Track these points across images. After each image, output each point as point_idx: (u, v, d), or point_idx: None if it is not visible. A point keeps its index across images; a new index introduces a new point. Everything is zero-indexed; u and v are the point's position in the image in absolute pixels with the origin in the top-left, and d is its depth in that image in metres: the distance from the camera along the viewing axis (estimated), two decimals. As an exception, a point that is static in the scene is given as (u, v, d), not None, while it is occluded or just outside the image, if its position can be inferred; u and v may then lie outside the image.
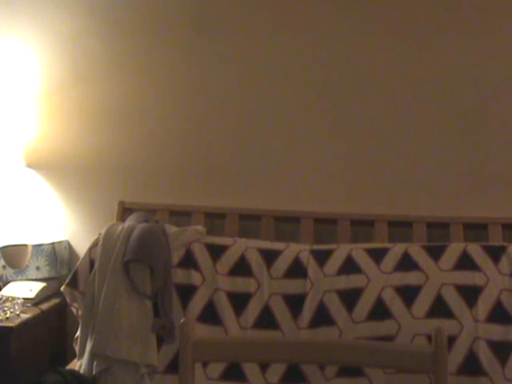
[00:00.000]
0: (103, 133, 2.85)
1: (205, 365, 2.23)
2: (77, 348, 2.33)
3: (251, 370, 2.23)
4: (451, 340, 2.18)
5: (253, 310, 2.32)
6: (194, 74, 2.79)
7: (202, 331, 2.26)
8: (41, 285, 2.70)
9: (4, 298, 2.51)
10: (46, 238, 2.84)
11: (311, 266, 2.36)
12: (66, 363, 2.47)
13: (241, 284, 2.36)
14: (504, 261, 2.33)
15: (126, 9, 2.82)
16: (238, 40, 2.76)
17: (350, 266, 2.35)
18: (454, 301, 2.26)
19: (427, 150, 2.66)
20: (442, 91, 2.65)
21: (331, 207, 2.68)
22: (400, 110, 2.68)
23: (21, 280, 2.73)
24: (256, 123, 2.76)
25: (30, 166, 2.88)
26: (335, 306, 2.29)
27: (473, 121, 2.64)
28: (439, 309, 2.25)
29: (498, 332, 2.21)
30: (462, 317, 2.23)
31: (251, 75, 2.76)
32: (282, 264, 2.38)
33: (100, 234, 2.44)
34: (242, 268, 2.38)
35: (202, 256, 2.40)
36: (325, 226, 2.66)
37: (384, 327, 2.24)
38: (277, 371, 2.23)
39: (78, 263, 2.43)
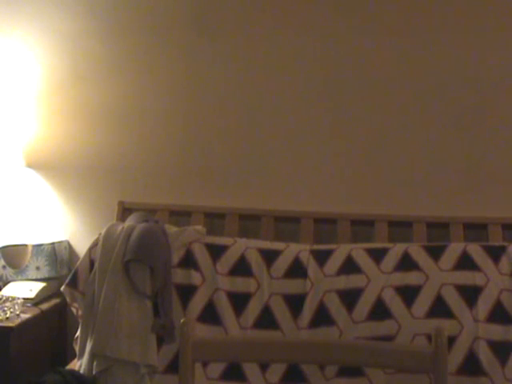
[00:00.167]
0: (103, 133, 2.85)
1: (205, 365, 2.23)
2: (77, 348, 2.33)
3: (251, 369, 2.23)
4: (451, 340, 2.18)
5: (253, 310, 2.32)
6: (194, 73, 2.79)
7: (202, 331, 2.26)
8: (41, 285, 2.70)
9: (4, 298, 2.51)
10: (46, 237, 2.84)
11: (311, 266, 2.36)
12: (66, 363, 2.47)
13: (241, 284, 2.36)
14: (504, 261, 2.33)
15: (126, 9, 2.82)
16: (238, 40, 2.76)
17: (349, 266, 2.35)
18: (453, 301, 2.26)
19: (427, 150, 2.66)
20: (442, 90, 2.65)
21: (331, 207, 2.68)
22: (400, 110, 2.68)
23: (21, 280, 2.73)
24: (256, 123, 2.76)
25: (29, 165, 2.88)
26: (335, 306, 2.29)
27: (473, 121, 2.64)
28: (439, 309, 2.25)
29: (498, 332, 2.21)
30: (462, 317, 2.23)
31: (251, 75, 2.76)
32: (281, 264, 2.38)
33: (100, 234, 2.44)
34: (242, 268, 2.38)
35: (202, 256, 2.40)
36: (325, 226, 2.66)
37: (384, 327, 2.24)
38: (277, 371, 2.23)
39: (78, 263, 2.43)
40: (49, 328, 2.69)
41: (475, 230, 2.57)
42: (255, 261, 2.39)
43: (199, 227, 2.52)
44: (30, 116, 2.88)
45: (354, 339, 2.23)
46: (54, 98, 2.88)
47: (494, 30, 2.62)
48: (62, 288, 2.40)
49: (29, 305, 2.61)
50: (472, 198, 2.63)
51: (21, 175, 2.89)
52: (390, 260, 2.36)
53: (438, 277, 2.31)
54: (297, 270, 2.37)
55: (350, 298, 2.29)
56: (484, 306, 2.25)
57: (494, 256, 2.35)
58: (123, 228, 2.41)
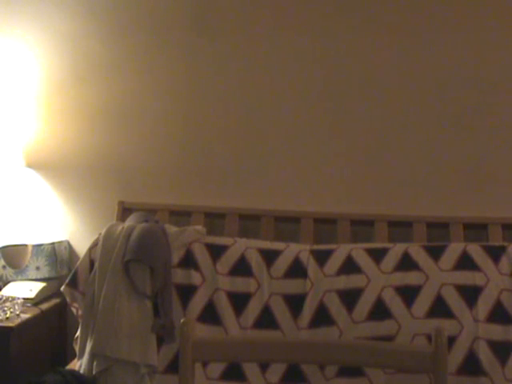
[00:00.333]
0: (103, 133, 2.85)
1: (205, 365, 2.23)
2: (77, 348, 2.33)
3: (251, 369, 2.23)
4: (451, 340, 2.19)
5: (253, 310, 2.32)
6: (194, 73, 2.79)
7: (202, 331, 2.26)
8: (41, 285, 2.70)
9: (4, 298, 2.51)
10: (46, 237, 2.84)
11: (311, 266, 2.36)
12: (66, 363, 2.47)
13: (241, 284, 2.36)
14: (504, 261, 2.33)
15: (126, 9, 2.82)
16: (238, 40, 2.76)
17: (349, 266, 2.35)
18: (454, 301, 2.26)
19: (427, 150, 2.66)
20: (442, 90, 2.65)
21: (331, 207, 2.68)
22: (400, 110, 2.68)
23: (21, 280, 2.73)
24: (256, 123, 2.76)
25: (30, 165, 2.88)
26: (335, 306, 2.29)
27: (473, 121, 2.64)
28: (439, 309, 2.25)
29: (497, 332, 2.21)
30: (462, 317, 2.23)
31: (251, 75, 2.76)
32: (281, 264, 2.38)
33: (100, 234, 2.44)
34: (242, 268, 2.38)
35: (202, 256, 2.40)
36: (325, 226, 2.66)
37: (384, 327, 2.24)
38: (277, 371, 2.23)
39: (78, 263, 2.43)
40: (49, 328, 2.69)
41: (475, 229, 2.57)
42: (255, 261, 2.39)
43: (199, 227, 2.52)
44: (30, 116, 2.88)
45: (354, 339, 2.23)
46: (53, 98, 2.88)
47: (493, 30, 2.62)
48: (61, 288, 2.40)
49: (29, 305, 2.61)
50: (472, 198, 2.63)
51: (21, 175, 2.89)
52: (390, 260, 2.36)
53: (438, 277, 2.31)
54: (297, 269, 2.37)
55: (350, 298, 2.29)
56: (484, 306, 2.25)
57: (494, 256, 2.35)
58: (123, 228, 2.41)
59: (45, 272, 2.76)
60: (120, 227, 2.43)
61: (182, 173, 2.81)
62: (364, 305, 2.27)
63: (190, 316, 2.28)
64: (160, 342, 2.27)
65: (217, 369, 2.24)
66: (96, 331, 2.23)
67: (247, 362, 2.20)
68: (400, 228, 2.61)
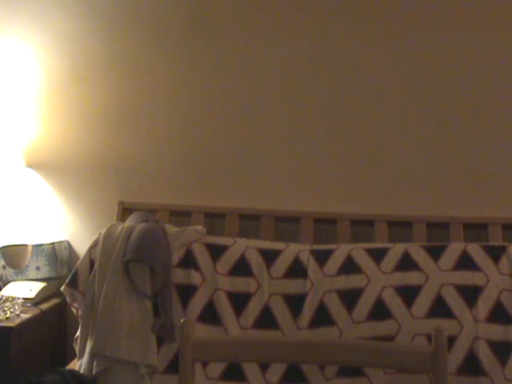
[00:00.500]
0: (103, 133, 2.85)
1: (205, 365, 2.23)
2: (77, 348, 2.33)
3: (251, 369, 2.23)
4: (451, 340, 2.18)
5: (253, 310, 2.32)
6: (193, 74, 2.79)
7: (202, 331, 2.26)
8: (41, 285, 2.70)
9: (4, 298, 2.51)
10: (46, 237, 2.84)
11: (311, 266, 2.36)
12: (66, 363, 2.47)
13: (241, 284, 2.36)
14: (504, 261, 2.33)
15: (126, 9, 2.82)
16: (237, 41, 2.76)
17: (349, 266, 2.35)
18: (454, 301, 2.26)
19: (427, 150, 2.66)
20: (442, 90, 2.65)
21: (331, 207, 2.68)
22: (399, 110, 2.68)
23: (21, 280, 2.73)
24: (256, 123, 2.77)
25: (30, 165, 2.88)
26: (335, 306, 2.28)
27: (473, 120, 2.64)
28: (439, 309, 2.25)
29: (497, 332, 2.21)
30: (462, 317, 2.23)
31: (250, 76, 2.76)
32: (281, 264, 2.38)
33: (100, 234, 2.44)
34: (242, 268, 2.38)
35: (202, 256, 2.40)
36: (325, 226, 2.66)
37: (384, 327, 2.24)
38: (277, 371, 2.23)
39: (78, 263, 2.43)
40: (49, 328, 2.69)
41: (475, 229, 2.57)
42: (255, 261, 2.39)
43: (199, 227, 2.52)
44: (30, 116, 2.88)
45: (354, 339, 2.23)
46: (53, 98, 2.88)
47: (491, 30, 2.62)
48: (61, 288, 2.40)
49: (29, 305, 2.61)
50: (472, 198, 2.63)
51: (21, 175, 2.89)
52: (390, 260, 2.36)
53: (438, 277, 2.31)
54: (297, 270, 2.37)
55: (350, 298, 2.29)
56: (484, 306, 2.25)
57: (494, 256, 2.35)
58: (123, 228, 2.41)
59: (45, 272, 2.76)
60: (120, 227, 2.43)
61: (182, 173, 2.81)
62: (364, 305, 2.27)
63: (190, 316, 2.28)
64: (160, 342, 2.26)
65: (217, 369, 2.24)
66: (96, 331, 2.23)
67: (247, 362, 2.20)
68: (400, 228, 2.61)
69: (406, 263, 2.35)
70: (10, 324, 2.41)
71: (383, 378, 2.17)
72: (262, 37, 2.75)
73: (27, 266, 2.75)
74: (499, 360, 2.17)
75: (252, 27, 2.76)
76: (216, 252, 2.41)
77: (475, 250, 2.37)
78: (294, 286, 2.34)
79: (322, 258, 2.39)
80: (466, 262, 2.34)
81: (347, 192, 2.71)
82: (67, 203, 2.89)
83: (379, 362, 1.52)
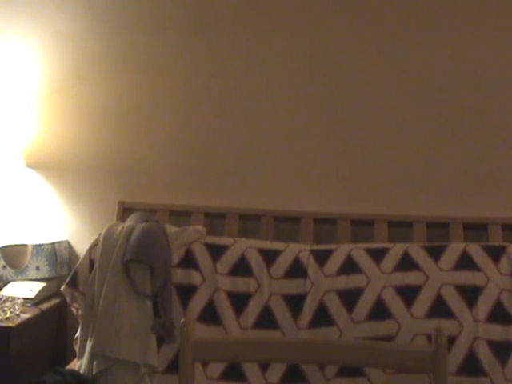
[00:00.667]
0: (103, 133, 2.85)
1: (205, 365, 2.23)
2: (77, 348, 2.33)
3: (251, 369, 2.23)
4: (451, 340, 2.18)
5: (253, 310, 2.32)
6: (194, 73, 2.79)
7: (202, 331, 2.26)
8: (41, 285, 2.70)
9: (4, 298, 2.51)
10: (46, 238, 2.84)
11: (311, 266, 2.36)
12: (66, 363, 2.47)
13: (241, 284, 2.36)
14: (504, 261, 2.33)
15: (126, 9, 2.82)
16: (237, 40, 2.76)
17: (349, 266, 2.35)
18: (454, 301, 2.26)
19: (427, 150, 2.66)
20: (442, 90, 2.65)
21: (331, 207, 2.68)
22: (399, 110, 2.68)
23: (21, 280, 2.73)
24: (256, 123, 2.77)
25: (30, 166, 2.88)
26: (335, 306, 2.28)
27: (473, 120, 2.64)
28: (439, 309, 2.25)
29: (497, 332, 2.21)
30: (462, 317, 2.23)
31: (250, 76, 2.76)
32: (282, 264, 2.38)
33: (100, 234, 2.44)
34: (242, 268, 2.38)
35: (202, 256, 2.40)
36: (325, 226, 2.66)
37: (384, 327, 2.24)
38: (277, 371, 2.23)
39: (78, 263, 2.43)
40: (49, 328, 2.69)
41: (475, 229, 2.57)
42: (255, 261, 2.39)
43: (199, 227, 2.52)
44: (30, 116, 2.88)
45: (354, 339, 2.23)
46: (53, 98, 2.88)
47: (492, 30, 2.62)
48: (61, 288, 2.40)
49: (29, 305, 2.61)
50: (472, 198, 2.63)
51: (21, 175, 2.89)
52: (390, 260, 2.36)
53: (438, 277, 2.31)
54: (297, 270, 2.37)
55: (349, 298, 2.29)
56: (484, 306, 2.25)
57: (494, 256, 2.35)
58: (123, 228, 2.41)
59: (45, 272, 2.76)
60: (120, 227, 2.43)
61: (182, 173, 2.81)
62: (364, 305, 2.27)
63: (190, 316, 2.28)
64: (160, 342, 2.26)
65: (217, 369, 2.24)
66: (96, 331, 2.23)
67: (247, 362, 2.20)
68: (400, 228, 2.61)
69: (406, 263, 2.35)
70: (10, 324, 2.41)
71: (383, 378, 2.17)
72: (262, 37, 2.75)
73: (27, 266, 2.75)
74: (499, 360, 2.17)
75: (252, 27, 2.76)
76: (216, 252, 2.41)
77: (475, 250, 2.37)
78: (293, 286, 2.34)
79: (322, 258, 2.39)
80: (466, 262, 2.34)
81: (347, 192, 2.71)
82: (67, 203, 2.89)
83: (379, 362, 1.52)
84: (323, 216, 2.66)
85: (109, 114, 2.84)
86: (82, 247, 2.78)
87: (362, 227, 2.64)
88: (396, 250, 2.39)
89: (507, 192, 2.61)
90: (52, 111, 2.88)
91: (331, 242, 2.54)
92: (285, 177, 2.75)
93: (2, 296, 2.54)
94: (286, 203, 2.72)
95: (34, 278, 2.74)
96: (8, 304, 2.47)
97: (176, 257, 2.39)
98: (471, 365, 2.17)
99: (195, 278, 2.36)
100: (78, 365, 2.26)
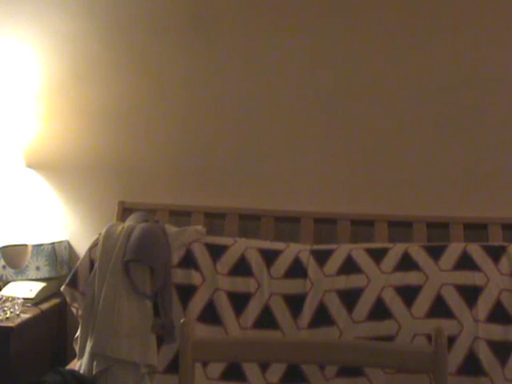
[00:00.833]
0: (103, 133, 2.85)
1: (205, 365, 2.23)
2: (77, 348, 2.33)
3: (251, 370, 2.23)
4: (451, 340, 2.18)
5: (253, 310, 2.32)
6: (194, 73, 2.79)
7: (202, 331, 2.26)
8: (41, 285, 2.70)
9: (4, 298, 2.51)
10: (46, 238, 2.84)
11: (311, 266, 2.36)
12: (66, 363, 2.47)
13: (241, 284, 2.36)
14: (504, 261, 2.33)
15: (126, 9, 2.82)
16: (236, 41, 2.76)
17: (349, 266, 2.35)
18: (454, 301, 2.26)
19: (427, 150, 2.66)
20: (442, 90, 2.65)
21: (331, 207, 2.68)
22: (400, 110, 2.68)
23: (21, 280, 2.73)
24: (256, 123, 2.76)
25: (29, 166, 2.88)
26: (335, 306, 2.29)
27: (473, 120, 2.64)
28: (439, 309, 2.25)
29: (497, 332, 2.21)
30: (462, 317, 2.23)
31: (250, 75, 2.76)
32: (282, 264, 2.38)
33: (100, 234, 2.44)
34: (242, 268, 2.38)
35: (202, 256, 2.40)
36: (325, 226, 2.66)
37: (384, 327, 2.24)
38: (277, 371, 2.23)
39: (78, 263, 2.43)
40: (49, 328, 2.69)
41: (475, 229, 2.57)
42: (255, 261, 2.39)
43: (199, 227, 2.52)
44: (30, 116, 2.88)
45: (354, 339, 2.23)
46: (54, 98, 2.88)
47: (492, 30, 2.62)
48: (61, 288, 2.40)
49: (29, 305, 2.61)
50: (472, 198, 2.63)
51: (21, 175, 2.89)
52: (390, 260, 2.36)
53: (438, 277, 2.31)
54: (297, 270, 2.37)
55: (349, 298, 2.29)
56: (484, 305, 2.25)
57: (494, 256, 2.35)
58: (123, 228, 2.41)
59: (45, 272, 2.76)
60: (120, 227, 2.43)
61: (182, 173, 2.81)
62: (364, 305, 2.27)
63: (190, 316, 2.28)
64: (160, 342, 2.26)
65: (217, 369, 2.24)
66: (96, 331, 2.23)
67: (247, 362, 2.20)
68: (400, 228, 2.61)
69: (406, 263, 2.35)
70: (10, 324, 2.41)
71: (383, 377, 2.18)
72: (262, 37, 2.75)
73: (27, 266, 2.75)
74: (499, 360, 2.18)
75: (252, 27, 2.76)
76: (216, 252, 2.41)
77: (475, 250, 2.37)
78: (294, 286, 2.34)
79: (321, 258, 2.39)
80: (466, 262, 2.34)
81: (347, 192, 2.71)
82: (67, 203, 2.89)
83: (379, 362, 1.52)
84: (323, 216, 2.66)
85: (109, 114, 2.84)
86: (82, 247, 2.78)
87: (361, 227, 2.64)
88: (396, 250, 2.39)
89: (507, 192, 2.61)
90: (52, 111, 2.88)
91: (331, 242, 2.54)
92: (285, 177, 2.75)
93: (2, 296, 2.54)
94: (285, 203, 2.71)
95: (34, 277, 2.74)
96: (8, 304, 2.47)
97: (176, 257, 2.39)
98: (471, 365, 2.17)
99: (195, 277, 2.36)
100: (78, 365, 2.26)
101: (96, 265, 2.34)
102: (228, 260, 2.39)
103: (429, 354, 1.44)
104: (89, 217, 2.87)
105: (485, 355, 2.18)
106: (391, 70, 2.68)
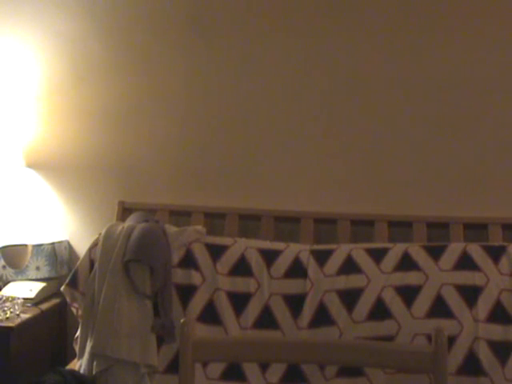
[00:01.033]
0: (103, 133, 2.85)
1: (205, 365, 2.23)
2: (77, 348, 2.33)
3: (251, 370, 2.23)
4: (451, 340, 2.18)
5: (253, 310, 2.32)
6: (193, 73, 2.79)
7: (202, 331, 2.26)
8: (41, 285, 2.70)
9: (4, 298, 2.51)
10: (46, 238, 2.84)
11: (311, 266, 2.36)
12: (66, 363, 2.47)
13: (241, 284, 2.36)
14: (504, 261, 2.33)
15: (126, 9, 2.82)
16: (235, 41, 2.76)
17: (349, 266, 2.35)
18: (454, 301, 2.26)
19: (427, 150, 2.66)
20: (441, 90, 2.64)
21: (331, 207, 2.68)
22: (399, 110, 2.68)
23: (21, 280, 2.73)
24: (255, 123, 2.76)
25: (30, 166, 2.88)
26: (335, 306, 2.29)
27: (472, 121, 2.64)
28: (439, 309, 2.25)
29: (498, 332, 2.21)
30: (462, 317, 2.23)
31: (249, 75, 2.76)
32: (282, 264, 2.38)
33: (100, 234, 2.44)
34: (242, 268, 2.38)
35: (202, 256, 2.40)
36: (325, 226, 2.66)
37: (384, 327, 2.24)
38: (277, 371, 2.23)
39: (78, 263, 2.43)
40: (49, 328, 2.69)
41: (475, 229, 2.57)
42: (255, 261, 2.39)
43: (199, 227, 2.52)
44: (30, 116, 2.88)
45: (354, 339, 2.23)
46: (53, 98, 2.88)
47: (490, 30, 2.61)
48: (61, 288, 2.41)
49: (29, 305, 2.61)
50: (472, 198, 2.63)
51: (21, 175, 2.89)
52: (390, 260, 2.36)
53: (438, 277, 2.31)
54: (297, 270, 2.37)
55: (349, 298, 2.29)
56: (484, 305, 2.25)
57: (494, 256, 2.35)
58: (123, 228, 2.41)
59: (45, 272, 2.76)
60: (120, 227, 2.43)
61: (182, 173, 2.81)
62: (364, 305, 2.27)
63: (190, 316, 2.28)
64: (160, 342, 2.27)
65: (217, 369, 2.24)
66: (96, 331, 2.23)
67: (247, 362, 2.20)
68: (400, 228, 2.61)
69: (406, 263, 2.35)
70: (10, 324, 2.41)
71: (383, 377, 2.18)
72: (260, 37, 2.75)
73: (27, 266, 2.75)
74: (499, 360, 2.18)
75: (250, 28, 2.76)
76: (216, 252, 2.41)
77: (475, 250, 2.37)
78: (294, 286, 2.34)
79: (321, 258, 2.39)
80: (465, 262, 2.34)
81: (347, 192, 2.71)
82: (67, 203, 2.89)
83: (379, 362, 1.52)
84: (323, 216, 2.66)
85: (109, 114, 2.84)
86: (82, 247, 2.78)
87: (361, 227, 2.64)
88: (396, 250, 2.39)
89: (507, 192, 2.61)
90: (52, 111, 2.88)
91: (331, 242, 2.54)
92: (285, 177, 2.74)
93: (2, 296, 2.54)
94: (285, 203, 2.71)
95: (34, 277, 2.74)
96: (8, 304, 2.47)
97: (176, 257, 2.39)
98: (471, 365, 2.17)
99: (195, 277, 2.36)
100: (78, 365, 2.26)
101: (96, 265, 2.34)
102: (228, 260, 2.39)
103: (429, 354, 1.44)
104: (89, 217, 2.87)
105: (485, 355, 2.18)
106: (389, 70, 2.67)
